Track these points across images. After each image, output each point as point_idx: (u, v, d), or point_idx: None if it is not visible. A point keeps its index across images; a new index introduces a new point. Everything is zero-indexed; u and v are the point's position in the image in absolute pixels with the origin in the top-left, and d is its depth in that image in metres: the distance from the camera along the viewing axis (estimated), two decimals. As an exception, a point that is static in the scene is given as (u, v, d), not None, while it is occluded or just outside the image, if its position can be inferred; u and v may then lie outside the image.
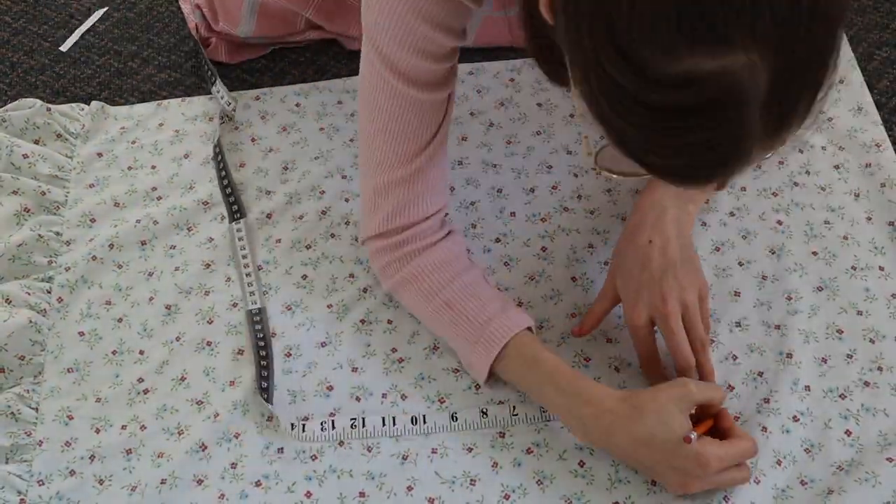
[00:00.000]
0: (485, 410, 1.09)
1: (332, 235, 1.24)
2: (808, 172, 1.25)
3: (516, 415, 1.09)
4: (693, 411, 1.00)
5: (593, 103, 0.76)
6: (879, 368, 1.10)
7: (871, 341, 1.12)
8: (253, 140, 1.34)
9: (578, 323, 1.13)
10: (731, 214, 1.22)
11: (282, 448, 1.09)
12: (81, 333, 1.18)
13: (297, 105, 1.38)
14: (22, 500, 1.07)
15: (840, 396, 1.08)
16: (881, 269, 1.17)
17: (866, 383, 1.09)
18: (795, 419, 1.06)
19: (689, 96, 0.70)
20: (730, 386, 1.09)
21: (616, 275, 1.10)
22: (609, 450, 1.04)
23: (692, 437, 0.96)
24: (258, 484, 1.06)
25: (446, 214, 1.15)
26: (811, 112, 0.74)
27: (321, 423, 1.09)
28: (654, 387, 1.02)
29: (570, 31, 0.74)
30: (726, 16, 0.67)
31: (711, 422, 1.02)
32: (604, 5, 0.70)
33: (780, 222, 1.21)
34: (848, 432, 1.06)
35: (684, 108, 0.71)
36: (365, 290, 1.19)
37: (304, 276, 1.21)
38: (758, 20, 0.67)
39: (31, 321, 1.17)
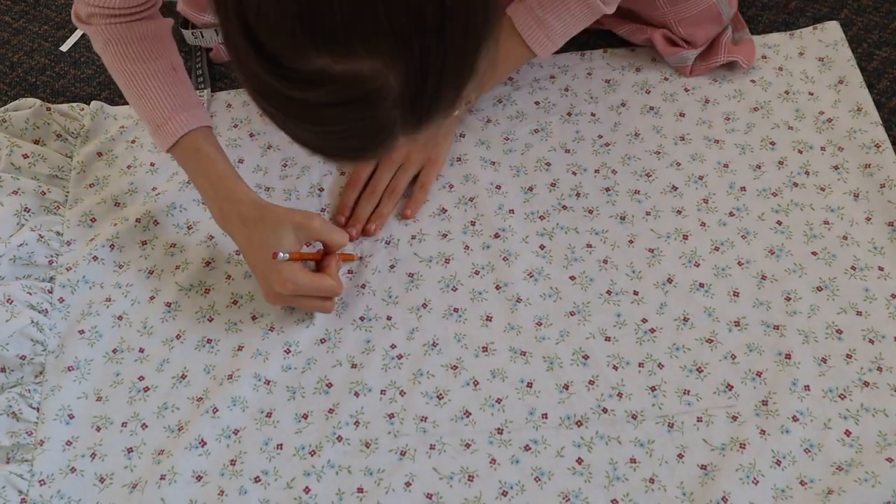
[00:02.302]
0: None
1: (331, 232, 1.24)
2: (807, 173, 1.25)
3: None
4: (311, 245, 1.18)
5: (253, 97, 0.80)
6: (879, 369, 1.09)
7: (871, 341, 1.11)
8: (252, 136, 1.34)
9: None
10: (731, 214, 1.22)
11: (280, 444, 1.09)
12: (82, 332, 1.18)
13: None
14: (23, 499, 1.07)
15: (839, 396, 1.08)
16: (881, 269, 1.17)
17: (866, 383, 1.08)
18: (795, 419, 1.06)
19: (324, 94, 0.74)
20: (728, 385, 1.09)
21: None
22: (235, 241, 1.16)
23: (280, 254, 1.09)
24: (257, 479, 1.06)
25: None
26: (455, 105, 0.79)
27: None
28: (292, 209, 1.14)
29: (221, 23, 0.77)
30: (344, 25, 0.69)
31: (319, 255, 1.16)
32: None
33: (779, 222, 1.21)
34: (847, 432, 1.05)
35: (323, 104, 0.75)
36: (363, 287, 1.20)
37: (303, 272, 1.21)
38: (374, 31, 0.70)
39: (32, 321, 1.17)
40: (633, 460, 1.05)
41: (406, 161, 1.28)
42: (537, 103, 1.34)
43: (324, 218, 1.13)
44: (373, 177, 1.27)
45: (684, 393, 1.09)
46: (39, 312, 1.18)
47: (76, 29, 1.51)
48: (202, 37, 1.40)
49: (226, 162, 1.17)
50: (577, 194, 1.25)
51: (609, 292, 1.17)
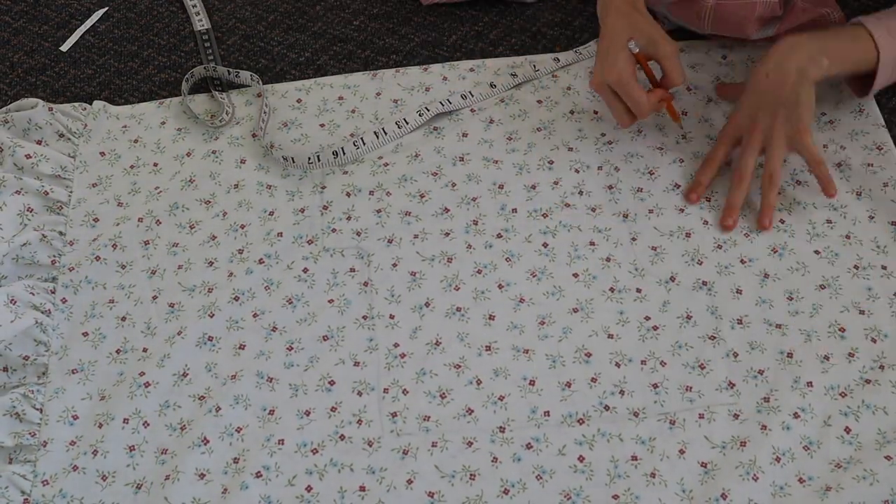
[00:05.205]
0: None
1: (334, 230, 1.24)
2: (810, 171, 1.25)
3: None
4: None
5: None
6: (881, 367, 1.09)
7: (873, 340, 1.11)
8: (254, 136, 1.34)
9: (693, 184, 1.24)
10: (733, 212, 1.23)
11: (282, 440, 1.09)
12: (86, 334, 1.18)
13: (298, 101, 1.38)
14: (26, 499, 1.07)
15: (841, 394, 1.08)
16: (883, 268, 1.17)
17: (867, 381, 1.08)
18: (796, 416, 1.06)
19: None
20: (730, 383, 1.09)
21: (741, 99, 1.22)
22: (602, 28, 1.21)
23: (632, 42, 1.17)
24: (258, 475, 1.06)
25: None
26: None
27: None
28: (657, 25, 1.20)
29: None
30: None
31: (656, 82, 1.22)
32: None
33: (782, 221, 1.21)
34: (847, 430, 1.05)
35: None
36: (366, 285, 1.20)
37: (305, 270, 1.21)
38: None
39: (36, 321, 1.17)
40: (634, 458, 1.05)
41: (771, 139, 1.19)
42: (539, 102, 1.35)
43: (677, 50, 1.19)
44: (738, 159, 1.21)
45: (686, 390, 1.09)
46: (42, 313, 1.18)
47: (76, 29, 1.52)
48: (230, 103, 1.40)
49: None
50: (580, 192, 1.25)
51: (612, 290, 1.17)
